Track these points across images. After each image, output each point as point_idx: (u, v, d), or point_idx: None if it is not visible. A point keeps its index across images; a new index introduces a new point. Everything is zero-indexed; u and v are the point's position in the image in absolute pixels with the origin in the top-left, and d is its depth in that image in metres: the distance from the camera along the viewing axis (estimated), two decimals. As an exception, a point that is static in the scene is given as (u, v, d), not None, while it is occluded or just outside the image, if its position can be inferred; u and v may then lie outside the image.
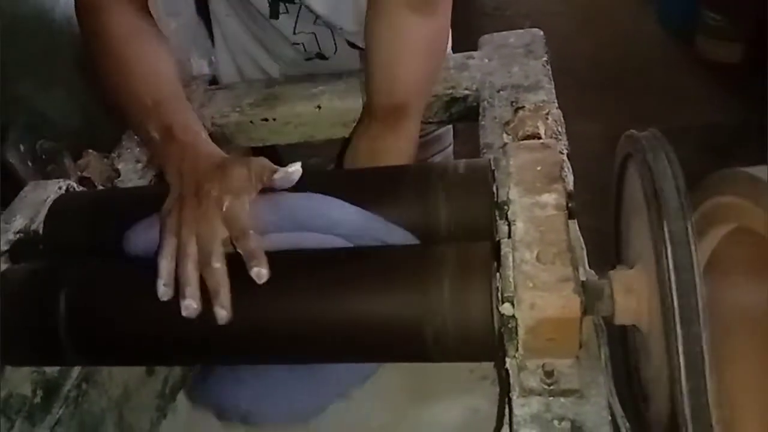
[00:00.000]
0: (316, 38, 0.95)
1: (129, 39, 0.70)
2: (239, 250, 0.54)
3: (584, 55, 2.81)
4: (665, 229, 0.42)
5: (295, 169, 0.57)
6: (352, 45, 0.96)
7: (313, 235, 0.57)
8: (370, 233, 0.58)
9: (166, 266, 0.54)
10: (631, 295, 0.49)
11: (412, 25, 0.74)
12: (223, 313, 0.52)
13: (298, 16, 0.92)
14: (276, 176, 0.57)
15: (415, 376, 0.75)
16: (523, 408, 0.49)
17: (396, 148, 0.75)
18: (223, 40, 1.03)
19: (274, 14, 0.92)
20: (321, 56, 0.98)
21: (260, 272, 0.52)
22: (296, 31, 0.94)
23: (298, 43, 0.95)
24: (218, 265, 0.53)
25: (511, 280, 0.50)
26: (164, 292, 0.54)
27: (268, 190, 0.58)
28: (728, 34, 2.59)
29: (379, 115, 0.76)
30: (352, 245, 0.58)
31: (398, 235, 0.58)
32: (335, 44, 0.96)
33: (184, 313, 0.53)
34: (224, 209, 0.55)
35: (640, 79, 2.67)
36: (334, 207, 0.58)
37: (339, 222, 0.57)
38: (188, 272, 0.53)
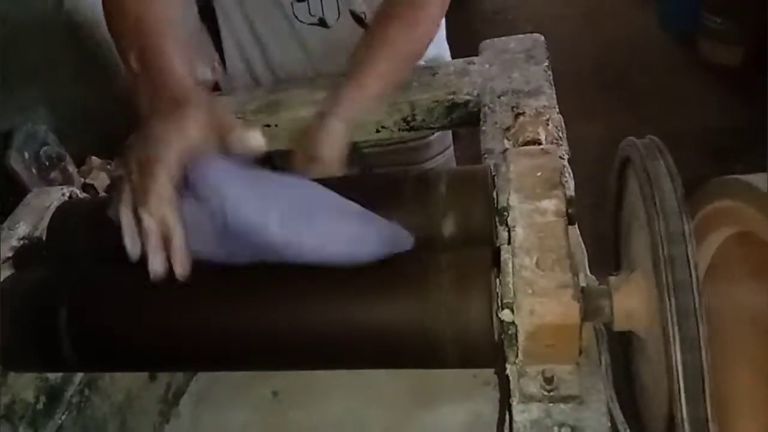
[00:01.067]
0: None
1: None
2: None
3: (586, 57, 2.81)
4: (664, 237, 0.42)
5: (254, 137, 0.53)
6: (355, 16, 0.96)
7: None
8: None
9: (126, 222, 0.52)
10: (631, 301, 0.50)
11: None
12: (178, 270, 0.50)
13: None
14: (233, 139, 0.53)
15: (418, 381, 0.75)
16: (523, 414, 0.50)
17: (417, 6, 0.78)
18: (229, 28, 1.03)
19: None
20: (323, 23, 0.98)
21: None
22: None
23: (298, 4, 0.96)
24: (168, 211, 0.50)
25: (510, 286, 0.50)
26: (132, 249, 0.52)
27: None
28: (730, 37, 2.59)
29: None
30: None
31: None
32: (338, 9, 0.96)
33: (151, 276, 0.50)
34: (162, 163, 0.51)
35: (642, 81, 2.67)
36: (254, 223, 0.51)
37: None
38: (145, 230, 0.51)
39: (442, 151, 1.13)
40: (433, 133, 1.09)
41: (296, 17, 0.98)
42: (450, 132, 1.14)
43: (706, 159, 2.11)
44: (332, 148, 0.69)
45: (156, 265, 0.50)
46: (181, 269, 0.50)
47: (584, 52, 2.85)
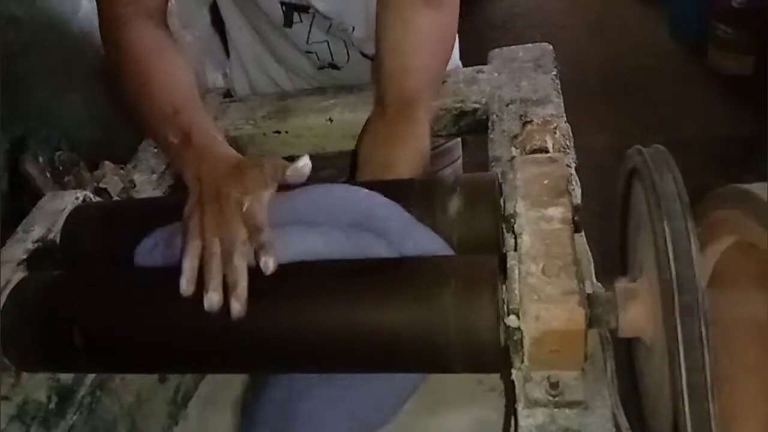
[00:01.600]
0: (329, 47, 0.96)
1: (149, 52, 0.75)
2: (253, 245, 0.55)
3: (595, 66, 2.82)
4: (669, 245, 0.43)
5: (305, 163, 0.60)
6: (365, 55, 0.97)
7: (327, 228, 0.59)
8: (385, 224, 0.58)
9: (190, 265, 0.56)
10: (636, 309, 0.50)
11: (422, 17, 0.78)
12: (237, 306, 0.53)
13: (311, 24, 0.93)
14: (288, 172, 0.60)
15: (424, 387, 0.76)
16: (528, 419, 0.50)
17: (411, 139, 0.76)
18: (236, 53, 1.04)
19: (288, 23, 0.93)
20: (333, 66, 0.99)
21: (267, 262, 0.54)
22: (309, 41, 0.95)
23: (311, 52, 0.97)
24: (239, 262, 0.55)
25: (516, 292, 0.51)
26: (186, 288, 0.55)
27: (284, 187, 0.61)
28: (739, 46, 2.59)
29: (391, 108, 0.78)
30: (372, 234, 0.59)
31: (421, 235, 0.59)
32: (348, 54, 0.97)
33: (206, 306, 0.54)
34: (243, 210, 0.57)
35: (651, 90, 2.67)
36: (352, 194, 0.59)
37: (353, 208, 0.59)
38: (212, 268, 0.55)
39: (450, 163, 1.14)
40: (442, 144, 1.09)
41: (310, 58, 0.99)
42: (460, 145, 1.14)
43: (714, 168, 2.11)
44: None
45: (215, 301, 0.54)
46: (241, 309, 0.54)
47: (592, 61, 2.85)
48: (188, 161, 0.64)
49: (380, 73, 0.81)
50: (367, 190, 0.61)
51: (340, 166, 1.08)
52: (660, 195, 0.45)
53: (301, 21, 0.93)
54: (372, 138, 0.79)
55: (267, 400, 0.63)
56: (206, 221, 0.57)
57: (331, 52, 0.97)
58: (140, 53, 0.74)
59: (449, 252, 0.59)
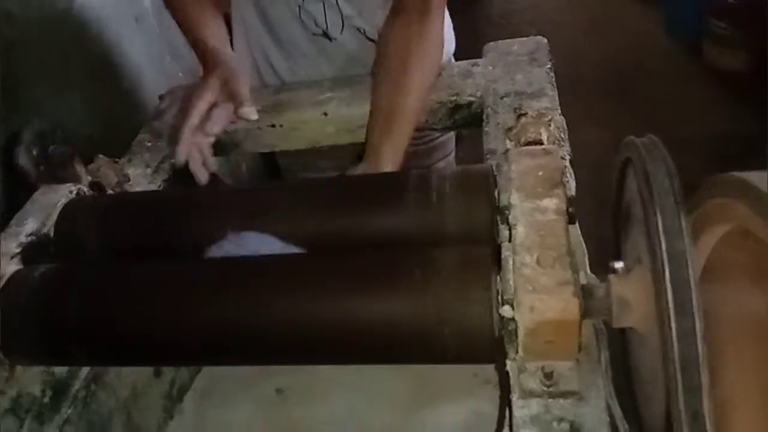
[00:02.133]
0: (324, 10, 0.97)
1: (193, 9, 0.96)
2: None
3: (591, 63, 2.82)
4: (661, 233, 0.43)
5: (252, 113, 0.85)
6: (359, 30, 0.97)
7: None
8: None
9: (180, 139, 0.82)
10: (629, 299, 0.50)
11: None
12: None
13: None
14: (240, 110, 0.84)
15: (420, 380, 0.76)
16: (522, 409, 0.50)
17: (426, 38, 0.87)
18: (244, 35, 1.05)
19: None
20: (327, 36, 1.00)
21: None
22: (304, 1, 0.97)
23: (305, 13, 0.97)
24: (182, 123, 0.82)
25: (511, 283, 0.51)
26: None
27: None
28: (734, 42, 2.59)
29: (407, 6, 0.87)
30: None
31: None
32: (342, 23, 0.97)
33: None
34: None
35: (647, 87, 2.67)
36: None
37: None
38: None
39: (443, 157, 1.14)
40: (437, 138, 1.10)
41: (304, 23, 0.99)
42: (453, 139, 1.15)
43: (713, 165, 2.10)
44: None
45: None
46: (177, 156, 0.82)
47: (589, 58, 2.85)
48: (205, 63, 0.90)
49: None
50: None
51: (334, 161, 1.08)
52: (652, 185, 0.45)
53: None
54: (386, 39, 0.89)
55: None
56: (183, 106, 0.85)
57: (326, 18, 0.97)
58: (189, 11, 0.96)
59: None
